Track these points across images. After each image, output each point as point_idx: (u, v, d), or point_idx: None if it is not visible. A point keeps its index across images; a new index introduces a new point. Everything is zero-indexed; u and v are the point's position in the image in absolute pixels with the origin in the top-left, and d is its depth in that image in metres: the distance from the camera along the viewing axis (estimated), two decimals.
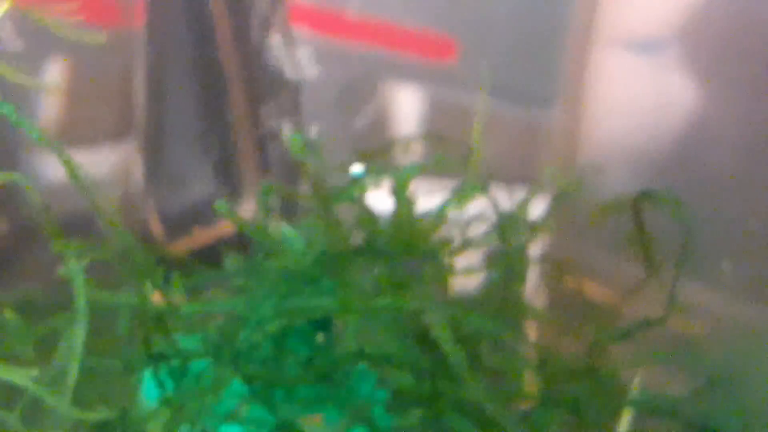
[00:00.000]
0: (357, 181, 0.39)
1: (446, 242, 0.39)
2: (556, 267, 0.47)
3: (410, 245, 0.37)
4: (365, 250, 0.36)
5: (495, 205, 0.44)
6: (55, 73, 0.59)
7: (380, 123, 0.73)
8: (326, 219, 0.36)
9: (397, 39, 0.69)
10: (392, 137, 0.72)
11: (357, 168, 0.42)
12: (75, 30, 0.49)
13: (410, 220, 0.36)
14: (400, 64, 0.70)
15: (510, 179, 0.65)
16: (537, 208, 0.55)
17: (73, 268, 0.32)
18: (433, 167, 0.44)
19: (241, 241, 0.50)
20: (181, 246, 0.54)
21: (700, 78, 0.45)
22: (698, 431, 0.34)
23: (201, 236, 0.55)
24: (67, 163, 0.34)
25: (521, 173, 0.62)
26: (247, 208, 0.64)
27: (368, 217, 0.38)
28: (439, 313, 0.33)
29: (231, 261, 0.39)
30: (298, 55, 0.69)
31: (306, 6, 0.67)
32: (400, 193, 0.37)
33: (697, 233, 0.38)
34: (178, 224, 0.54)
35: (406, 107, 0.72)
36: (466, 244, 0.40)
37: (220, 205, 0.42)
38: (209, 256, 0.50)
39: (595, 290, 0.46)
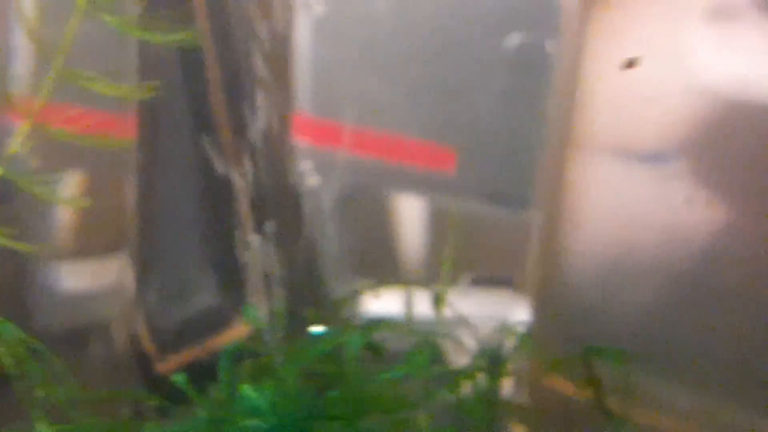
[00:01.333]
0: (318, 341, 0.40)
1: (404, 400, 0.39)
2: (537, 367, 0.47)
3: (366, 406, 0.37)
4: (322, 414, 0.37)
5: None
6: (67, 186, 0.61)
7: (384, 232, 0.73)
8: (288, 381, 0.37)
9: (397, 150, 0.71)
10: (395, 247, 0.73)
11: (316, 328, 0.44)
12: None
13: (362, 384, 0.37)
14: (401, 174, 0.71)
15: (497, 282, 0.65)
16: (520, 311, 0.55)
17: None
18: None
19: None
20: (173, 362, 0.54)
21: (700, 190, 0.45)
22: None
23: (193, 352, 0.55)
24: None
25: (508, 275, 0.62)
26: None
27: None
28: None
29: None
30: (300, 166, 0.70)
31: (306, 118, 0.69)
32: (349, 358, 0.38)
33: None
34: (171, 340, 0.54)
35: (409, 216, 0.73)
36: (429, 397, 0.40)
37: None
38: (203, 372, 0.50)
39: (576, 391, 0.45)
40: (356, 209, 0.71)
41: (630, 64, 0.40)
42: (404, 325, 0.47)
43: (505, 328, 0.50)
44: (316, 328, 0.45)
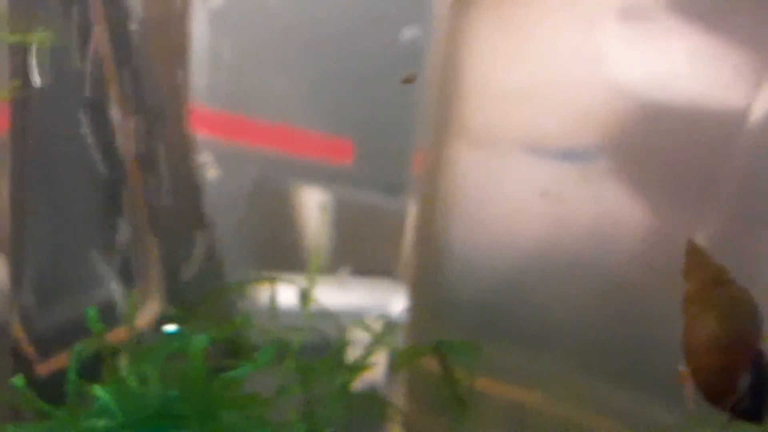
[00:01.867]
0: (169, 339, 0.41)
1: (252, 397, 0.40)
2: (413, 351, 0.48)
3: (213, 406, 0.38)
4: (166, 414, 0.37)
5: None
6: None
7: (286, 223, 0.74)
8: (133, 380, 0.37)
9: (296, 141, 0.71)
10: (296, 238, 0.73)
11: (169, 327, 0.45)
12: None
13: (206, 383, 0.38)
14: (301, 165, 0.71)
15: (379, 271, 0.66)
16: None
17: None
18: None
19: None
20: (53, 364, 0.54)
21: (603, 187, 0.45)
22: None
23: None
24: None
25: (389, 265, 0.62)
26: (151, 309, 0.64)
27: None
28: None
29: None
30: (199, 159, 0.70)
31: (206, 111, 0.69)
32: (195, 361, 0.38)
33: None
34: (50, 340, 0.54)
35: (310, 207, 0.74)
36: (281, 392, 0.41)
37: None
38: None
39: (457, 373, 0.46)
40: (257, 201, 0.71)
41: (408, 79, 0.41)
42: (268, 319, 0.48)
43: (382, 318, 0.51)
44: (170, 327, 0.45)
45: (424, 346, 0.43)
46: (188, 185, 0.70)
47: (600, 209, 0.44)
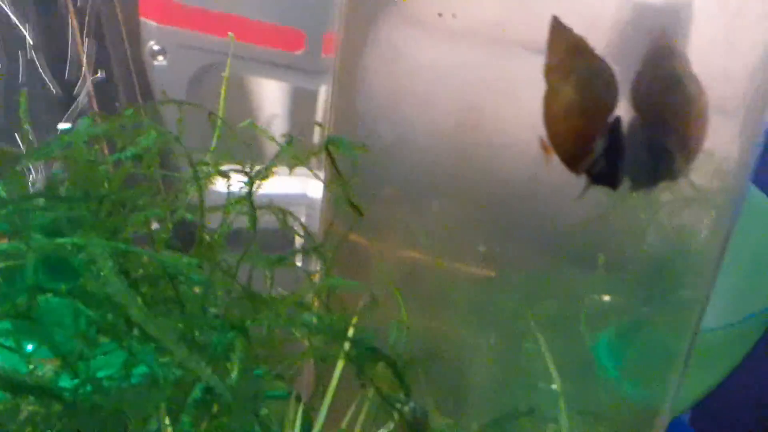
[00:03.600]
0: (63, 135, 0.41)
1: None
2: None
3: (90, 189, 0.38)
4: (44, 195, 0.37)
5: None
6: None
7: (241, 110, 0.75)
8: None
9: (250, 31, 0.72)
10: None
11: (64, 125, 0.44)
12: None
13: (87, 164, 0.38)
14: (251, 53, 0.72)
15: None
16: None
17: None
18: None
19: None
20: None
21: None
22: None
23: None
24: None
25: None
26: None
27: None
28: (101, 248, 0.33)
29: None
30: (149, 46, 0.72)
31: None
32: (77, 142, 0.38)
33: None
34: None
35: (265, 94, 0.75)
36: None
37: None
38: None
39: (370, 244, 0.47)
40: (207, 87, 0.72)
41: None
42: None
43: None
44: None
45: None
46: (137, 71, 0.72)
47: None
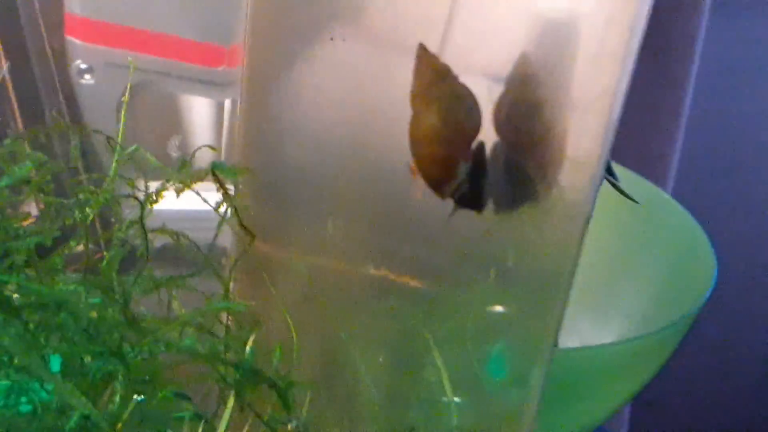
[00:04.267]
0: None
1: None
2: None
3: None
4: None
5: None
6: None
7: (170, 127, 0.76)
8: None
9: (175, 49, 0.73)
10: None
11: None
12: None
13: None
14: (177, 71, 0.73)
15: None
16: None
17: None
18: None
19: None
20: None
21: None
22: None
23: None
24: None
25: None
26: None
27: None
28: None
29: None
30: (73, 66, 0.72)
31: (80, 17, 0.71)
32: None
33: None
34: None
35: (195, 109, 0.76)
36: None
37: None
38: None
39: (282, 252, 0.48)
40: (135, 106, 0.73)
41: None
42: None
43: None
44: None
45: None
46: (63, 91, 0.72)
47: None
